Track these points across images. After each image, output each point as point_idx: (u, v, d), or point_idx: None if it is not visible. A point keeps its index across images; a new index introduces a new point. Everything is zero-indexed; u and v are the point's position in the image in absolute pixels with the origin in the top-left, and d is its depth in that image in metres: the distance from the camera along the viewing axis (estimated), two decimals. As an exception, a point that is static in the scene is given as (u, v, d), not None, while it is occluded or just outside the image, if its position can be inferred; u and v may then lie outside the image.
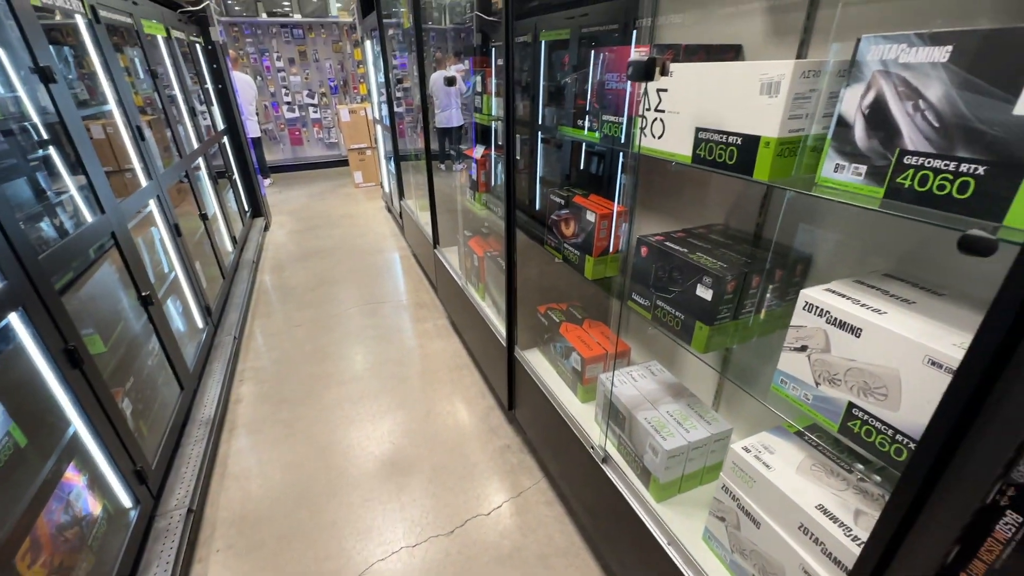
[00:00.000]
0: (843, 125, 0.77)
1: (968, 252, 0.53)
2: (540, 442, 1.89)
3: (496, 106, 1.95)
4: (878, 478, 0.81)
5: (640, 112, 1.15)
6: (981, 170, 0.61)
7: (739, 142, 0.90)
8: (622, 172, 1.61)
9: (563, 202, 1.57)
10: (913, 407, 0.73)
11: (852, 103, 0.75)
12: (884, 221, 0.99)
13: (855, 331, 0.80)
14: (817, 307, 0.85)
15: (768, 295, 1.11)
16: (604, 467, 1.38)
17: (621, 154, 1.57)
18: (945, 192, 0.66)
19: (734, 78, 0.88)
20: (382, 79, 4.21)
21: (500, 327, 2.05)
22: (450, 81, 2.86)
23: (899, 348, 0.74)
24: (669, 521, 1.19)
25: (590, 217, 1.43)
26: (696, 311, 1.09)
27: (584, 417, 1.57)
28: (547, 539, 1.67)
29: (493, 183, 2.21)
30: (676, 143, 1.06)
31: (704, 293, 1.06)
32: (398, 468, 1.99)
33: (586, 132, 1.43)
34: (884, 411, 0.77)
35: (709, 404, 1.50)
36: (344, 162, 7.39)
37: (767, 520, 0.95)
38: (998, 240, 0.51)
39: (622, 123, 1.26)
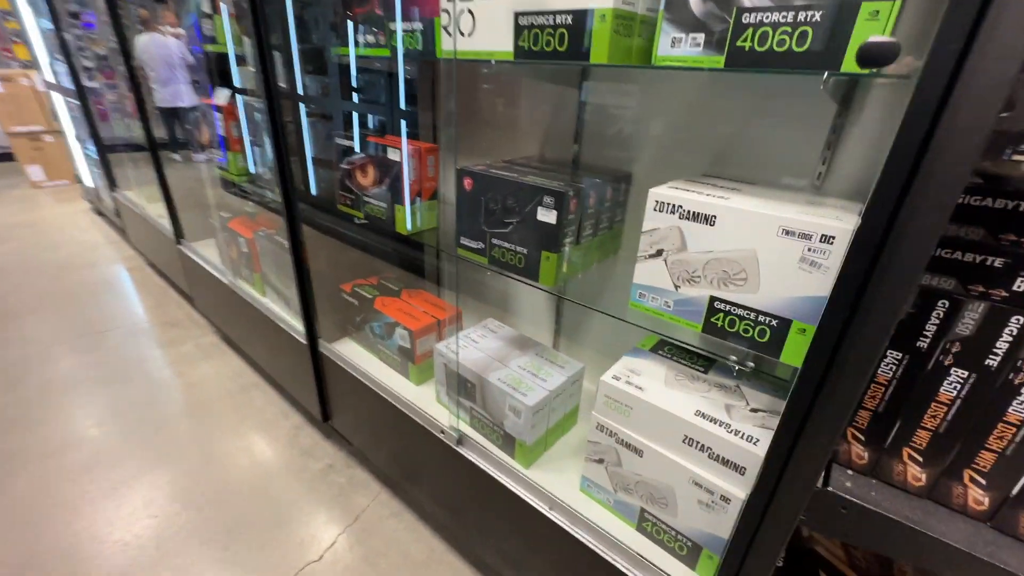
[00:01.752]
0: (675, -9, 0.70)
1: (868, 64, 0.48)
2: (372, 448, 1.56)
3: (230, 31, 1.46)
4: (751, 364, 0.80)
5: (441, 7, 0.94)
6: (817, 15, 0.60)
7: (569, 21, 0.77)
8: (420, 95, 1.37)
9: (358, 144, 1.25)
10: (771, 285, 0.72)
11: (682, -36, 0.68)
12: (692, 128, 1.02)
13: (709, 220, 0.76)
14: (668, 203, 0.79)
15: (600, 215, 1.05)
16: (460, 449, 1.17)
17: (410, 75, 1.33)
18: (785, 48, 0.63)
19: (554, -60, 0.74)
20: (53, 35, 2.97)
21: (295, 322, 1.60)
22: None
23: (753, 226, 0.71)
24: (546, 485, 1.06)
25: (393, 155, 1.16)
26: (539, 240, 0.95)
27: (424, 400, 1.31)
28: (402, 558, 1.38)
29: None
30: (492, 38, 0.88)
31: (547, 216, 0.93)
32: (171, 548, 1.39)
33: (363, 48, 1.15)
34: (745, 296, 0.75)
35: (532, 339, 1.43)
36: (6, 155, 5.16)
37: (650, 445, 0.89)
38: (898, 42, 0.47)
39: (418, 30, 1.02)
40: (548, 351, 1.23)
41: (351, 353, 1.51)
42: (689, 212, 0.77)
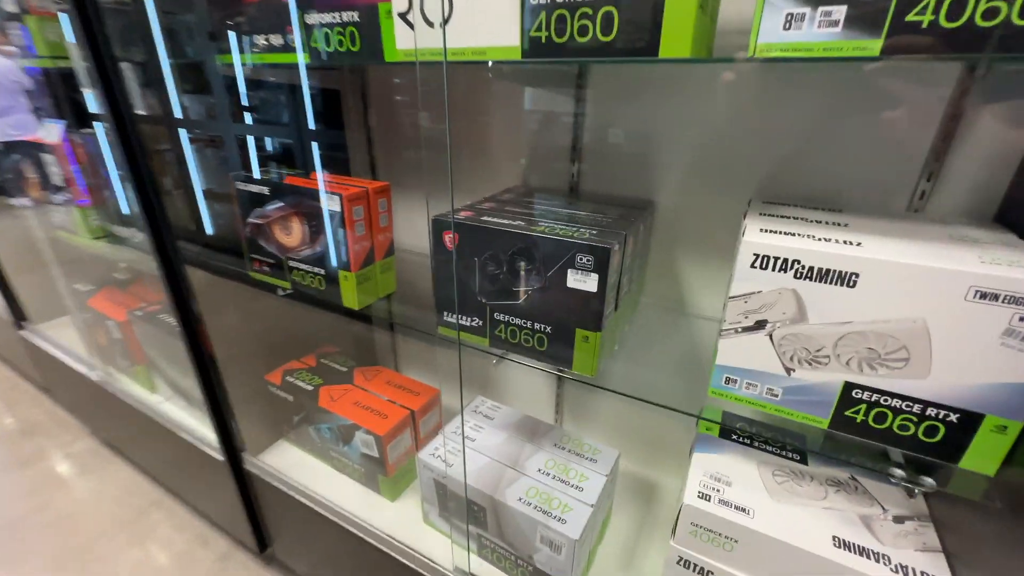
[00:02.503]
0: (791, -56, 0.45)
1: None
2: (335, 579, 1.18)
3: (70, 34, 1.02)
4: (931, 481, 0.58)
5: (390, -16, 0.62)
6: (1067, -34, 0.37)
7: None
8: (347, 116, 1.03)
9: (268, 190, 0.88)
10: (951, 367, 0.50)
11: None
12: (730, 138, 0.79)
13: (847, 280, 0.52)
14: (775, 258, 0.54)
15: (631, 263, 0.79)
16: (474, 598, 0.85)
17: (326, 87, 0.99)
18: (998, 19, 0.40)
19: None
20: None
21: (205, 430, 1.17)
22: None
23: (922, 286, 0.48)
24: (603, 637, 0.77)
25: (329, 204, 0.82)
26: (571, 314, 0.67)
27: (406, 523, 0.97)
28: None
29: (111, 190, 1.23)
30: (480, 30, 0.58)
31: (582, 282, 0.64)
32: None
33: (259, 54, 0.79)
34: (905, 382, 0.52)
35: (533, 417, 1.15)
36: None
37: (767, 588, 0.63)
38: None
39: (350, 23, 0.69)
40: (568, 438, 0.95)
41: (291, 464, 1.12)
42: (812, 270, 0.53)
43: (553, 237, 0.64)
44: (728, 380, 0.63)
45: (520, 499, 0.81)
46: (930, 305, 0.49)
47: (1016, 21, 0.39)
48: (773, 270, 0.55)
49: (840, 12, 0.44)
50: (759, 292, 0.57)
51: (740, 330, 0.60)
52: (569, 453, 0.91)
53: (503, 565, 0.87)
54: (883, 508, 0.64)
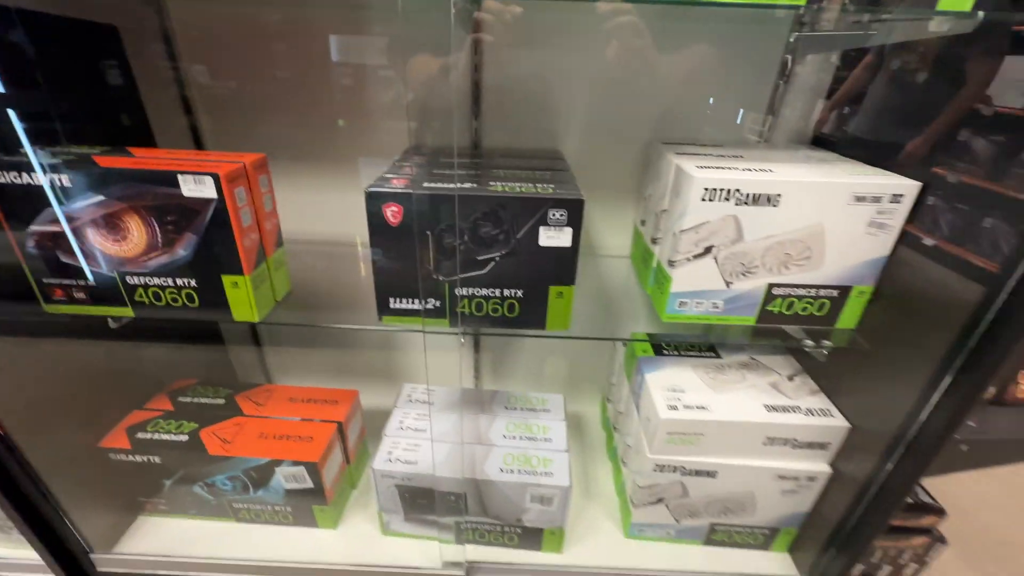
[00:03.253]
0: None
1: None
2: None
3: None
4: (828, 343, 0.75)
5: None
6: (922, -58, 0.50)
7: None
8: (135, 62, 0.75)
9: (68, 179, 0.59)
10: (836, 256, 0.66)
11: None
12: (622, 88, 0.84)
13: (773, 200, 0.63)
14: (721, 190, 0.63)
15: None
16: (470, 584, 0.82)
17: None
18: (881, -18, 0.52)
19: None
20: None
21: (18, 550, 0.79)
22: None
23: (822, 199, 0.63)
24: (594, 560, 0.84)
25: (200, 190, 0.60)
26: (545, 273, 0.66)
27: (362, 543, 0.86)
28: None
29: None
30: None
31: (554, 238, 0.63)
32: None
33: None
34: (807, 274, 0.68)
35: (462, 386, 1.13)
36: None
37: (726, 462, 0.78)
38: None
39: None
40: (513, 397, 0.95)
41: (169, 541, 0.85)
42: (749, 196, 0.63)
43: (520, 196, 0.61)
44: (681, 304, 0.71)
45: (501, 470, 0.79)
46: (825, 211, 0.63)
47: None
48: (717, 201, 0.64)
49: (777, -34, 0.51)
50: (707, 223, 0.65)
51: (691, 258, 0.68)
52: (522, 411, 0.92)
53: (486, 539, 0.86)
54: (779, 373, 0.84)
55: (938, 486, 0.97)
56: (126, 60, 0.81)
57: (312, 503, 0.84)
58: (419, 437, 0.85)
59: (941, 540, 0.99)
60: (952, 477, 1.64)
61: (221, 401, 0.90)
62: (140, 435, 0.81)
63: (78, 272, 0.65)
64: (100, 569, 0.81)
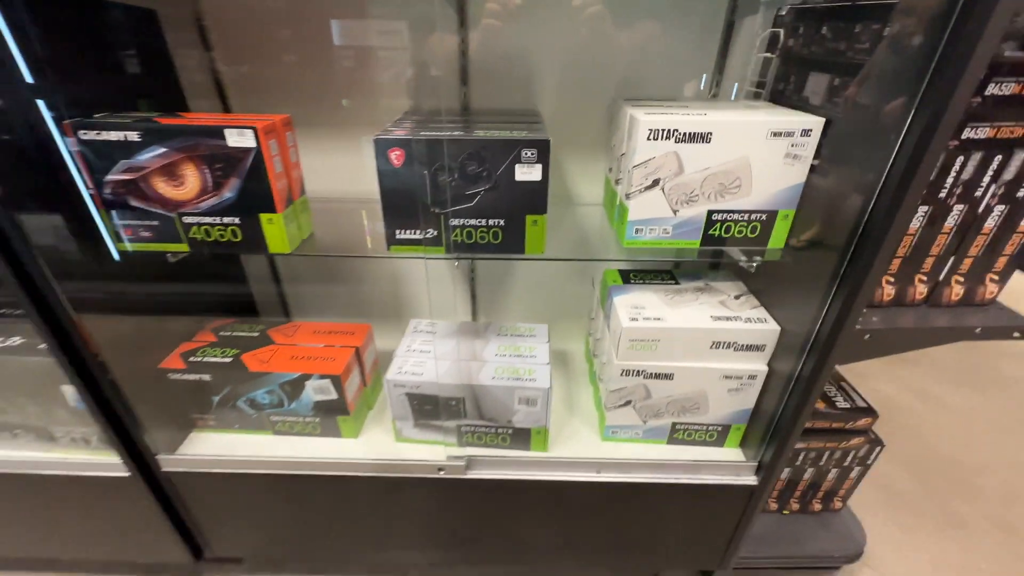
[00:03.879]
0: None
1: None
2: (303, 552, 1.15)
3: None
4: (757, 259, 0.90)
5: None
6: (803, -79, 0.63)
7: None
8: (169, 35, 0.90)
9: (140, 135, 0.74)
10: (762, 185, 0.81)
11: None
12: (588, 55, 0.98)
13: (705, 138, 0.77)
14: (664, 130, 0.77)
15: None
16: (471, 474, 0.98)
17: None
18: (774, -47, 0.65)
19: None
20: None
21: (84, 453, 0.96)
22: None
23: (745, 135, 0.77)
24: (575, 454, 1.01)
25: (240, 140, 0.75)
26: (521, 204, 0.80)
27: (379, 447, 1.02)
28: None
29: None
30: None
31: (528, 173, 0.78)
32: None
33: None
34: (739, 201, 0.82)
35: (463, 320, 1.29)
36: None
37: (681, 365, 0.93)
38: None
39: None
40: (504, 327, 1.11)
41: (218, 448, 1.02)
42: (686, 134, 0.77)
43: (499, 138, 0.75)
44: (637, 231, 0.86)
45: (493, 378, 0.95)
46: (749, 146, 0.77)
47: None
48: (660, 140, 0.78)
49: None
50: (653, 158, 0.79)
51: (643, 190, 0.82)
52: (512, 337, 1.07)
53: (483, 441, 1.02)
54: (727, 295, 0.99)
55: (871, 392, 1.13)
56: (164, 39, 0.95)
57: (336, 414, 1.01)
58: (425, 357, 1.01)
59: (879, 443, 1.15)
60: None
61: (256, 334, 1.06)
62: (192, 359, 0.98)
63: (144, 214, 0.80)
64: (164, 469, 0.98)
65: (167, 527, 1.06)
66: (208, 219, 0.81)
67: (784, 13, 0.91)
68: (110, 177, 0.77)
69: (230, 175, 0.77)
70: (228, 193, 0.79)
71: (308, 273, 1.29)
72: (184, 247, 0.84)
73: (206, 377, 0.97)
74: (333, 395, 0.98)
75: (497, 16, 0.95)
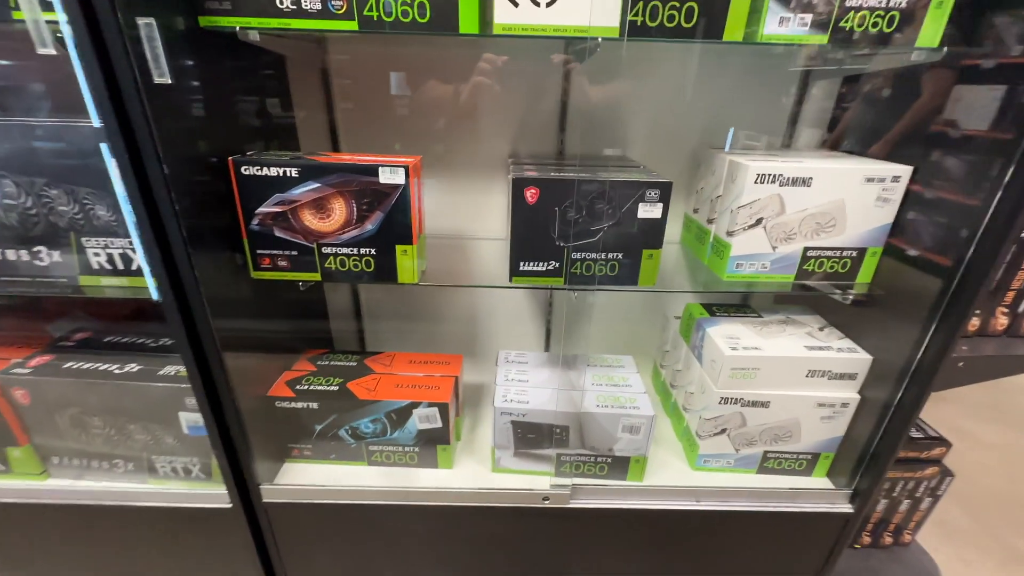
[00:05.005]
0: (783, -28, 0.73)
1: None
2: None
3: None
4: (851, 293, 0.96)
5: (492, -36, 0.69)
6: (903, 2, 0.74)
7: (704, -7, 0.70)
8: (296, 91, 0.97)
9: (298, 172, 0.80)
10: (855, 224, 0.89)
11: (792, -54, 0.72)
12: (678, 106, 1.08)
13: (807, 182, 0.86)
14: (768, 175, 0.85)
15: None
16: (574, 503, 0.99)
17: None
18: (878, 28, 0.76)
19: (690, -101, 0.65)
20: None
21: (184, 484, 0.94)
22: None
23: (842, 180, 0.85)
24: (672, 482, 1.02)
25: (391, 177, 0.81)
26: (640, 239, 0.87)
27: (475, 478, 1.03)
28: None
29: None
30: (584, 9, 0.71)
31: (650, 211, 0.85)
32: None
33: (313, 18, 0.73)
34: (834, 239, 0.90)
35: (543, 351, 1.33)
36: None
37: (777, 393, 0.97)
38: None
39: (422, -5, 0.72)
40: (592, 357, 1.15)
41: (313, 478, 1.01)
42: (790, 179, 0.85)
43: (627, 180, 0.83)
44: (738, 265, 0.93)
45: (597, 406, 0.98)
46: (845, 190, 0.86)
47: (885, 29, 0.76)
48: (766, 183, 0.86)
49: (808, 19, 0.75)
50: (758, 200, 0.87)
51: (746, 228, 0.90)
52: (603, 368, 1.11)
53: (582, 470, 1.03)
54: (811, 326, 1.05)
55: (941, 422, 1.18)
56: (287, 81, 1.03)
57: (437, 443, 1.02)
58: (524, 386, 1.04)
59: (949, 473, 1.19)
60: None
61: (354, 364, 1.08)
62: (299, 387, 0.99)
63: (286, 244, 0.85)
64: (265, 501, 0.97)
65: (254, 561, 1.03)
66: (346, 250, 0.86)
67: (850, 77, 1.03)
68: (262, 209, 0.82)
69: (375, 209, 0.83)
70: (370, 226, 0.84)
71: (387, 308, 1.33)
72: (317, 276, 0.88)
73: (313, 405, 0.98)
74: (438, 423, 0.99)
75: (595, 73, 1.05)
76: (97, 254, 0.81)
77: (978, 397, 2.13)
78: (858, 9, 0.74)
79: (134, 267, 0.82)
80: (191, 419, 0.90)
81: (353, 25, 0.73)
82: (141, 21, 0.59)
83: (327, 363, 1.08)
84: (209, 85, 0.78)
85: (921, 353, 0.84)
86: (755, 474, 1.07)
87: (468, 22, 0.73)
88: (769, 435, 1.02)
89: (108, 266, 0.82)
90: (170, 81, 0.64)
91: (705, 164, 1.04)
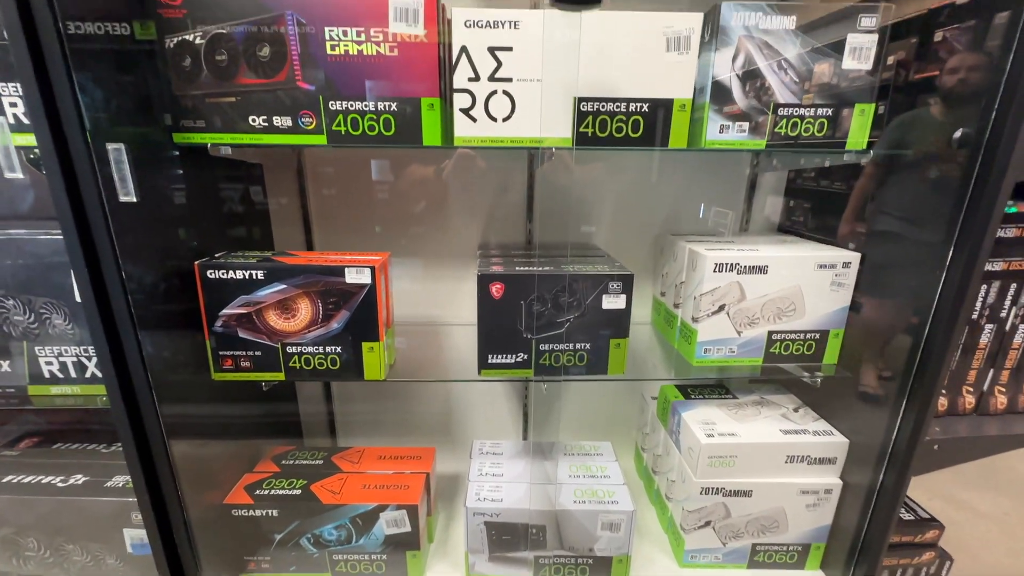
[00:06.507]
0: (718, 88, 0.80)
1: (964, 146, 0.69)
2: None
3: None
4: (819, 375, 0.97)
5: (451, 86, 0.74)
6: (829, 111, 0.81)
7: (646, 108, 0.76)
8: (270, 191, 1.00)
9: (263, 274, 0.80)
10: (814, 308, 0.91)
11: (724, 67, 0.79)
12: (640, 197, 1.14)
13: (763, 270, 0.89)
14: (727, 263, 0.88)
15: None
16: (551, 615, 0.91)
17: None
18: (809, 133, 0.83)
19: (627, 31, 0.72)
20: None
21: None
22: None
23: (797, 267, 0.89)
24: (659, 585, 0.96)
25: (357, 277, 0.82)
26: (606, 329, 0.88)
27: (449, 589, 0.95)
28: None
29: None
30: (538, 123, 0.76)
31: (614, 302, 0.87)
32: None
33: (286, 134, 0.77)
34: (795, 322, 0.92)
35: (520, 440, 1.29)
36: None
37: (759, 481, 0.94)
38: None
39: (388, 111, 0.77)
40: (568, 445, 1.11)
41: (272, 597, 0.93)
42: (747, 267, 0.89)
43: (590, 273, 0.85)
44: (706, 351, 0.94)
45: (575, 501, 0.94)
46: (801, 276, 0.89)
47: (817, 134, 0.82)
48: (724, 272, 0.89)
49: (746, 126, 0.82)
50: (719, 287, 0.90)
51: (710, 314, 0.92)
52: (580, 456, 1.08)
53: (562, 574, 0.97)
54: (786, 407, 1.05)
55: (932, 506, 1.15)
56: (264, 184, 1.07)
57: (406, 549, 0.95)
58: (498, 481, 0.99)
59: (948, 557, 1.14)
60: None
61: (320, 462, 1.03)
62: (259, 491, 0.93)
63: (249, 344, 0.84)
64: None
65: None
66: (311, 348, 0.85)
67: (794, 173, 1.11)
68: (226, 311, 0.82)
69: (341, 308, 0.83)
70: (336, 324, 0.84)
71: (359, 393, 1.29)
72: (280, 376, 0.86)
73: (274, 512, 0.92)
74: (407, 527, 0.93)
75: (560, 169, 1.11)
76: (49, 362, 0.78)
77: (969, 463, 2.09)
78: (789, 117, 0.81)
79: (88, 374, 0.79)
80: (136, 536, 0.83)
81: (322, 139, 0.77)
82: (111, 147, 0.62)
83: (292, 462, 1.03)
84: (179, 196, 0.80)
85: (895, 435, 0.83)
86: (746, 569, 1.01)
87: (431, 135, 0.78)
88: (755, 526, 0.98)
89: (60, 375, 0.79)
90: (135, 200, 0.65)
91: (668, 249, 1.08)
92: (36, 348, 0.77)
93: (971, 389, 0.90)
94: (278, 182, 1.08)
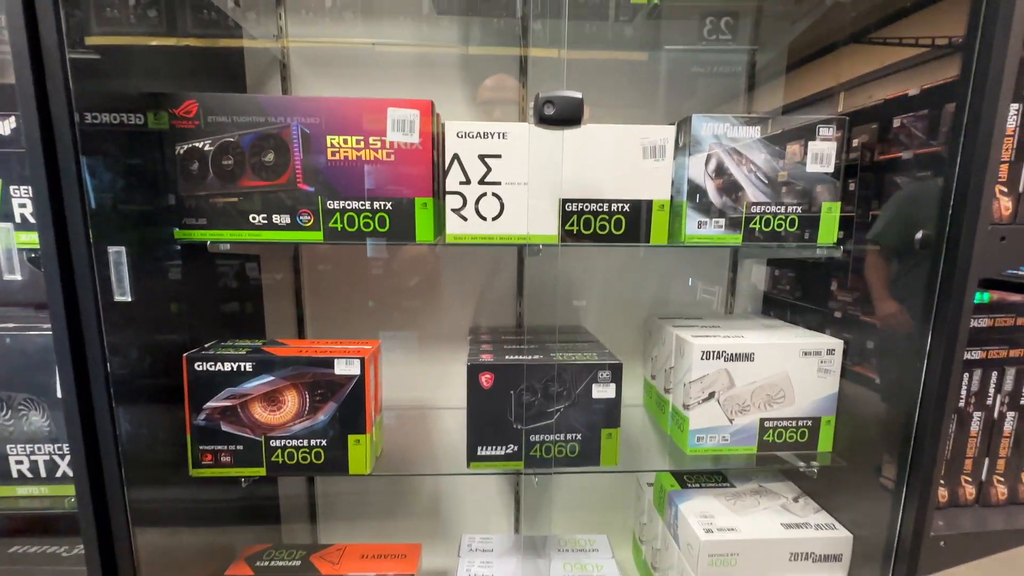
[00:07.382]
0: (694, 188, 0.86)
1: (925, 247, 0.74)
2: None
3: None
4: (815, 464, 0.95)
5: (444, 188, 0.79)
6: (799, 209, 0.87)
7: (627, 209, 0.81)
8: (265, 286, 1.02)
9: (252, 366, 0.80)
10: (803, 395, 0.92)
11: (698, 170, 0.85)
12: (628, 282, 1.18)
13: (750, 357, 0.90)
14: (714, 351, 0.90)
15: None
16: None
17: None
18: (782, 228, 0.87)
19: (609, 141, 0.78)
20: None
21: None
22: None
23: (783, 354, 0.90)
24: None
25: (346, 368, 0.81)
26: (598, 419, 0.87)
27: None
28: None
29: None
30: (525, 222, 0.80)
31: (604, 392, 0.86)
32: None
33: (284, 231, 0.80)
34: (786, 409, 0.92)
35: (511, 532, 1.22)
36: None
37: (762, 580, 0.89)
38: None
39: (382, 210, 0.81)
40: (562, 540, 1.06)
41: None
42: (733, 355, 0.90)
43: (579, 363, 0.86)
44: (699, 439, 0.92)
45: (569, 608, 0.88)
46: (788, 362, 0.90)
47: (788, 229, 0.87)
48: (712, 359, 0.90)
49: (723, 222, 0.86)
50: (708, 375, 0.91)
51: (700, 402, 0.91)
52: (574, 552, 1.02)
53: None
54: (785, 497, 1.01)
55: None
56: (260, 276, 1.09)
57: (386, 667, 0.87)
58: (490, 583, 0.93)
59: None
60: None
61: (297, 564, 0.96)
62: (229, 601, 0.87)
63: (231, 438, 0.81)
64: None
65: None
66: (295, 442, 0.83)
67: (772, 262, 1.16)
68: (211, 404, 0.80)
69: (328, 400, 0.82)
70: (322, 416, 0.82)
71: (344, 479, 1.24)
72: (262, 471, 0.83)
73: (242, 626, 0.85)
74: (388, 641, 0.86)
75: (548, 256, 1.15)
76: (20, 461, 0.75)
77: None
78: (762, 215, 0.86)
79: (59, 473, 0.76)
80: (88, 659, 0.76)
81: (319, 236, 0.80)
82: (112, 249, 0.64)
83: (267, 564, 0.96)
84: (174, 291, 0.81)
85: (899, 528, 0.80)
86: None
87: (424, 232, 0.81)
88: (763, 634, 0.91)
89: (30, 474, 0.76)
90: (130, 299, 0.67)
91: (655, 333, 1.09)
92: (7, 447, 0.74)
93: (969, 479, 0.89)
94: (274, 269, 1.11)
